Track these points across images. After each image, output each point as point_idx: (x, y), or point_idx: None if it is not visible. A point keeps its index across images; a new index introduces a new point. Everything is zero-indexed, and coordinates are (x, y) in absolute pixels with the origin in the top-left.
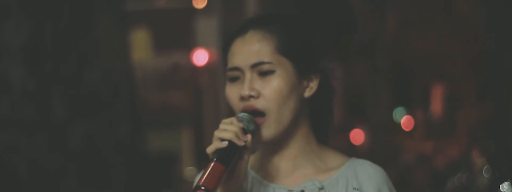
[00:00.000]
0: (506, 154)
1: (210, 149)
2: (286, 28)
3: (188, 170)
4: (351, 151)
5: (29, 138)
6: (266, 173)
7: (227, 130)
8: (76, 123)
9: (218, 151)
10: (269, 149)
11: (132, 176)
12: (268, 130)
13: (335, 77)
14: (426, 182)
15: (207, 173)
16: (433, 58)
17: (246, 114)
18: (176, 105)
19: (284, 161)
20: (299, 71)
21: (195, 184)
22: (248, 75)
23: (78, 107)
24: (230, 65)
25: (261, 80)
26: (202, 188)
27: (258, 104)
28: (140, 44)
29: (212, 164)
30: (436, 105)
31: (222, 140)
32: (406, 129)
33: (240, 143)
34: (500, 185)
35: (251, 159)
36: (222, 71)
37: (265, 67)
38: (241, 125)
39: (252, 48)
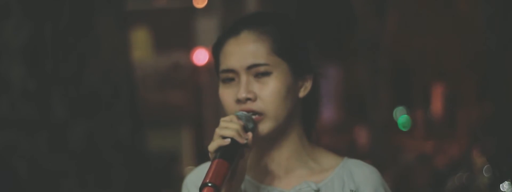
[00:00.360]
0: (506, 154)
1: (212, 147)
2: (280, 28)
3: (188, 169)
4: (352, 150)
5: (29, 138)
6: (259, 176)
7: (228, 128)
8: (76, 123)
9: (220, 149)
10: (263, 151)
11: (132, 176)
12: (264, 126)
13: (324, 76)
14: (426, 181)
15: (212, 170)
16: (433, 57)
17: (244, 112)
18: (176, 105)
19: (277, 163)
20: (294, 72)
21: (187, 181)
22: (243, 77)
23: (78, 107)
24: (224, 66)
25: (258, 82)
26: (210, 184)
27: (255, 106)
28: (140, 44)
29: (216, 162)
30: (436, 104)
31: (224, 137)
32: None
33: (242, 140)
34: (500, 185)
35: None
36: (215, 72)
37: (262, 69)
38: (241, 123)
39: (247, 49)
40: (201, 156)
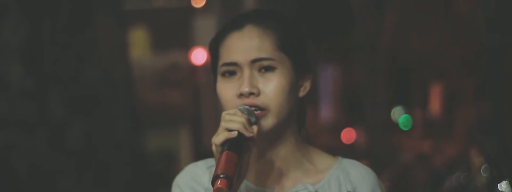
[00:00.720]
0: (504, 153)
1: (218, 140)
2: (283, 25)
3: None
4: (347, 150)
5: (27, 137)
6: (254, 177)
7: (234, 121)
8: (74, 122)
9: (227, 142)
10: (258, 151)
11: (130, 175)
12: (266, 122)
13: (320, 76)
14: (424, 181)
15: (223, 162)
16: (432, 57)
17: (246, 106)
18: (174, 104)
19: (272, 164)
20: (296, 70)
21: (179, 183)
22: (247, 71)
23: (76, 106)
24: (226, 60)
25: (262, 77)
26: (222, 176)
27: (258, 101)
28: (139, 43)
29: (225, 154)
30: (435, 104)
31: (230, 130)
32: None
33: (248, 134)
34: (498, 184)
35: None
36: (210, 68)
37: (266, 63)
38: (245, 116)
39: (251, 43)
40: (199, 156)
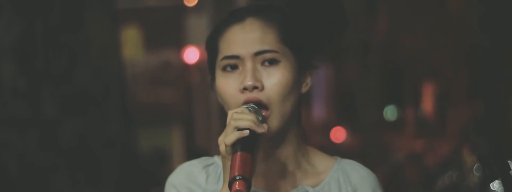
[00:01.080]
0: (496, 153)
1: (229, 140)
2: (285, 18)
3: None
4: (336, 149)
5: (19, 136)
6: (254, 179)
7: (244, 119)
8: (66, 121)
9: (239, 141)
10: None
11: (122, 174)
12: (271, 123)
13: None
14: (416, 180)
15: (238, 163)
16: (424, 56)
17: (253, 105)
18: (166, 103)
19: (272, 165)
20: (299, 65)
21: (174, 183)
22: (249, 64)
23: (68, 105)
24: (227, 53)
25: (265, 71)
26: (239, 177)
27: (262, 96)
28: (131, 42)
29: (239, 155)
30: (427, 103)
31: (239, 129)
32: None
33: (260, 130)
34: (491, 184)
35: None
36: (207, 64)
37: (270, 56)
38: (253, 114)
39: (254, 36)
40: (191, 155)
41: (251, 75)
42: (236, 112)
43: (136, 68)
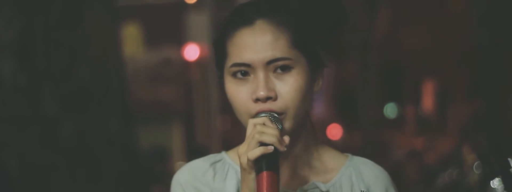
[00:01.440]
0: (496, 150)
1: (253, 155)
2: (296, 18)
3: (179, 165)
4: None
5: (19, 134)
6: None
7: (268, 133)
8: (66, 119)
9: (263, 158)
10: None
11: (122, 171)
12: (286, 125)
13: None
14: (416, 178)
15: (266, 186)
16: (424, 54)
17: (272, 113)
18: (167, 100)
19: (282, 163)
20: (311, 66)
21: (180, 181)
22: (262, 72)
23: (68, 102)
24: (237, 60)
25: (277, 78)
26: None
27: (276, 106)
28: (131, 39)
29: (265, 175)
30: (427, 101)
31: (263, 144)
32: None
33: (282, 148)
34: (491, 181)
35: None
36: (214, 65)
37: (283, 64)
38: (275, 126)
39: (265, 42)
40: (191, 152)
41: (264, 85)
42: (258, 124)
43: (136, 65)
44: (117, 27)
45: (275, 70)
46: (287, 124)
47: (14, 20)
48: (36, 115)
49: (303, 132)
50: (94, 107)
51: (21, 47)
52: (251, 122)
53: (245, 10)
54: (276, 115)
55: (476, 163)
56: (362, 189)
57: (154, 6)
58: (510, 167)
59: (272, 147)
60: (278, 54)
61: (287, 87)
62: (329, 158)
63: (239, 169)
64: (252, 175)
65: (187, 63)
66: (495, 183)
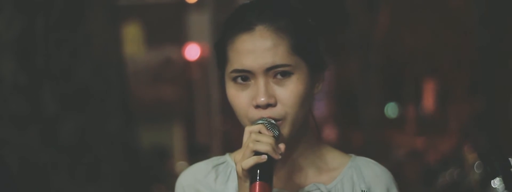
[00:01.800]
0: (497, 150)
1: (247, 165)
2: (296, 22)
3: (180, 164)
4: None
5: (20, 132)
6: None
7: (262, 142)
8: (67, 118)
9: (256, 167)
10: None
11: (123, 171)
12: (283, 131)
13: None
14: (417, 177)
15: None
16: (425, 53)
17: (269, 120)
18: (167, 100)
19: (285, 164)
20: (312, 71)
21: (183, 184)
22: (262, 79)
23: (69, 102)
24: (237, 66)
25: (277, 84)
26: None
27: (276, 113)
28: (132, 39)
29: (258, 185)
30: (428, 100)
31: (257, 153)
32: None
33: (277, 157)
34: (492, 181)
35: None
36: (215, 66)
37: (283, 70)
38: (271, 134)
39: (264, 48)
40: (192, 152)
41: (264, 92)
42: (253, 132)
43: (137, 65)
44: (118, 26)
45: (275, 76)
46: (286, 129)
47: (15, 20)
48: (37, 114)
49: (304, 133)
50: (94, 107)
51: (21, 47)
52: (247, 130)
53: (246, 15)
54: (273, 121)
55: (476, 162)
56: (363, 189)
57: (155, 5)
58: (511, 166)
59: (266, 157)
60: (278, 61)
61: (287, 93)
62: (332, 159)
63: None
64: (247, 184)
65: (187, 63)
66: (496, 182)
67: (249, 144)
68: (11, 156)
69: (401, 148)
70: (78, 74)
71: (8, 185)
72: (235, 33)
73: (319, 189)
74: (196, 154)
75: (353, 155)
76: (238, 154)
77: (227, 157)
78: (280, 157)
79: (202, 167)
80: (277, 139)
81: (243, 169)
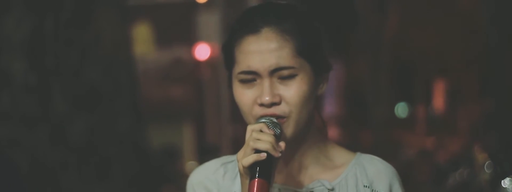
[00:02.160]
0: (507, 150)
1: (247, 162)
2: (301, 25)
3: (189, 164)
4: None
5: (30, 132)
6: None
7: (262, 140)
8: (77, 117)
9: (256, 165)
10: None
11: (133, 171)
12: (287, 130)
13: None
14: (427, 177)
15: None
16: (435, 53)
17: (271, 118)
18: (177, 100)
19: (290, 160)
20: (316, 72)
21: (193, 182)
22: (267, 79)
23: (79, 101)
24: (244, 67)
25: (282, 84)
26: None
27: (279, 110)
28: (142, 39)
29: (256, 182)
30: (438, 100)
31: (257, 151)
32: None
33: (276, 154)
34: (502, 181)
35: None
36: (224, 66)
37: (287, 72)
38: (271, 131)
39: (270, 50)
40: (202, 151)
41: (268, 91)
42: (254, 130)
43: (147, 65)
44: (128, 26)
45: (279, 77)
46: (290, 128)
47: (25, 20)
48: (47, 114)
49: (309, 131)
50: (104, 106)
51: (31, 47)
52: (249, 128)
53: (252, 17)
54: (275, 120)
55: (487, 162)
56: (365, 184)
57: (165, 5)
58: None
59: (265, 155)
60: (282, 63)
61: (291, 92)
62: (337, 156)
63: None
64: (248, 181)
65: (197, 63)
66: (506, 182)
67: (249, 142)
68: (21, 155)
69: (411, 148)
70: (88, 74)
71: (16, 184)
72: (242, 35)
73: (323, 185)
74: (205, 154)
75: (358, 153)
76: (239, 153)
77: (236, 156)
78: (280, 155)
79: (211, 165)
80: (278, 137)
81: (243, 167)
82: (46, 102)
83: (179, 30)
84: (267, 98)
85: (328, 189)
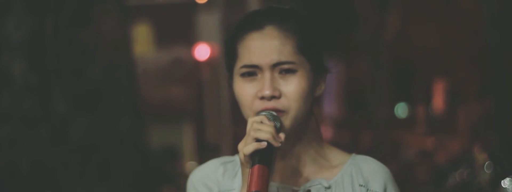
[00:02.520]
0: (507, 150)
1: (248, 150)
2: (302, 26)
3: (189, 165)
4: (354, 146)
5: (30, 132)
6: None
7: (263, 130)
8: (77, 118)
9: (257, 153)
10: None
11: (133, 171)
12: (286, 123)
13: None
14: (427, 177)
15: (256, 177)
16: (435, 53)
17: (271, 112)
18: (177, 100)
19: (287, 160)
20: (315, 72)
21: (193, 180)
22: (268, 74)
23: (79, 102)
24: (246, 61)
25: (282, 79)
26: None
27: (279, 104)
28: (142, 39)
29: (257, 168)
30: (438, 100)
31: (258, 140)
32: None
33: (276, 144)
34: (502, 181)
35: None
36: (224, 65)
37: (287, 67)
38: (272, 124)
39: (272, 46)
40: (202, 152)
41: (269, 85)
42: (255, 122)
43: (147, 65)
44: (128, 26)
45: (280, 72)
46: (287, 122)
47: (25, 20)
48: (47, 114)
49: (305, 131)
50: (104, 107)
51: (32, 47)
52: (250, 120)
53: (256, 16)
54: (274, 113)
55: (487, 162)
56: (361, 183)
57: (165, 5)
58: None
59: (265, 143)
60: (283, 58)
61: (291, 87)
62: (333, 157)
63: None
64: (248, 169)
65: (197, 63)
66: (506, 182)
67: (250, 132)
68: (22, 156)
69: (411, 148)
70: (88, 74)
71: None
72: (246, 31)
73: (320, 184)
74: (206, 154)
75: (353, 154)
76: (240, 143)
77: (236, 157)
78: (280, 145)
79: (211, 164)
80: (278, 130)
81: (244, 155)
82: (46, 102)
83: (179, 30)
84: (267, 92)
85: (325, 187)
